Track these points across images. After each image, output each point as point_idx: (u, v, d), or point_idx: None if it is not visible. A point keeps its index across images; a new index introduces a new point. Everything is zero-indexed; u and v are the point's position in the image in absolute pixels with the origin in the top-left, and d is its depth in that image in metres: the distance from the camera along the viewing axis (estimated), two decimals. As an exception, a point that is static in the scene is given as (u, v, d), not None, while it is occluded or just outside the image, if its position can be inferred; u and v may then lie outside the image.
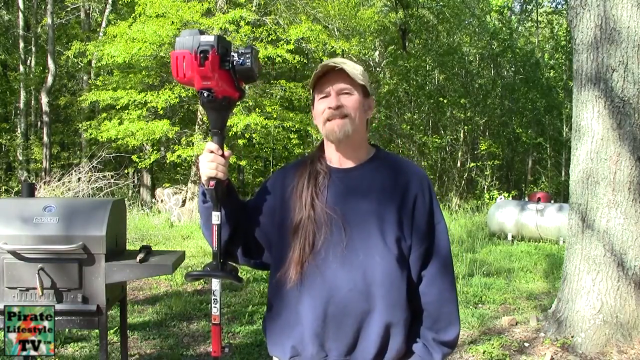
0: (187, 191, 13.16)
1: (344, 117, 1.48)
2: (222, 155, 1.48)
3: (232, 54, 1.45)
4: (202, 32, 1.42)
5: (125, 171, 15.49)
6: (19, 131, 17.75)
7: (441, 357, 1.50)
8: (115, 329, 4.05)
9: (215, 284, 1.53)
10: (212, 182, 1.45)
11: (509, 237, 9.63)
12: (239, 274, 1.57)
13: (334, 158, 1.56)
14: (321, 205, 1.48)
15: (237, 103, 1.60)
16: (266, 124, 11.66)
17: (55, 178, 9.84)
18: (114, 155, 13.30)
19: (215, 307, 1.53)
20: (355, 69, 1.49)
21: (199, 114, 13.06)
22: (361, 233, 1.46)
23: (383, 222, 1.46)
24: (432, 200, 1.54)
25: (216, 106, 1.47)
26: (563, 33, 20.09)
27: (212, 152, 1.47)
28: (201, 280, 5.72)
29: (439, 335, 1.50)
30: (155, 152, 13.95)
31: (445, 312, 1.52)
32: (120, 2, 15.98)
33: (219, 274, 1.50)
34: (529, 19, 23.61)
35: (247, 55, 1.45)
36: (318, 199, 1.49)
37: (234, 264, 1.59)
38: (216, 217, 1.49)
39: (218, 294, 1.53)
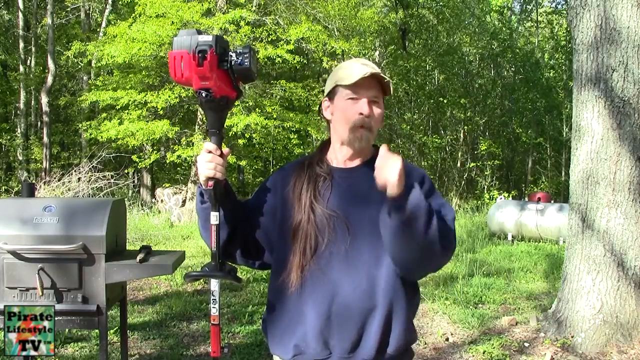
0: (187, 191, 13.15)
1: (370, 129, 1.50)
2: (221, 155, 1.47)
3: (231, 53, 1.44)
4: (200, 32, 1.41)
5: (125, 171, 15.46)
6: (19, 131, 17.74)
7: (427, 206, 1.36)
8: (115, 329, 4.05)
9: (214, 285, 1.53)
10: (211, 183, 1.45)
11: (509, 237, 9.62)
12: (239, 274, 1.57)
13: (339, 158, 1.56)
14: (321, 208, 1.48)
15: (236, 103, 1.60)
16: (266, 124, 11.64)
17: (55, 178, 9.80)
18: (114, 155, 13.29)
19: (214, 307, 1.53)
20: (389, 83, 1.50)
21: (198, 114, 13.05)
22: (364, 233, 1.46)
23: None
24: (433, 189, 1.52)
25: (214, 106, 1.46)
26: (563, 33, 20.07)
27: (210, 152, 1.46)
28: (201, 280, 5.71)
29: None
30: (155, 152, 13.94)
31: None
32: (120, 2, 15.97)
33: (217, 275, 1.50)
34: (529, 19, 23.60)
35: (246, 55, 1.44)
36: (318, 202, 1.49)
37: (233, 264, 1.58)
38: (214, 218, 1.48)
39: (217, 295, 1.53)
